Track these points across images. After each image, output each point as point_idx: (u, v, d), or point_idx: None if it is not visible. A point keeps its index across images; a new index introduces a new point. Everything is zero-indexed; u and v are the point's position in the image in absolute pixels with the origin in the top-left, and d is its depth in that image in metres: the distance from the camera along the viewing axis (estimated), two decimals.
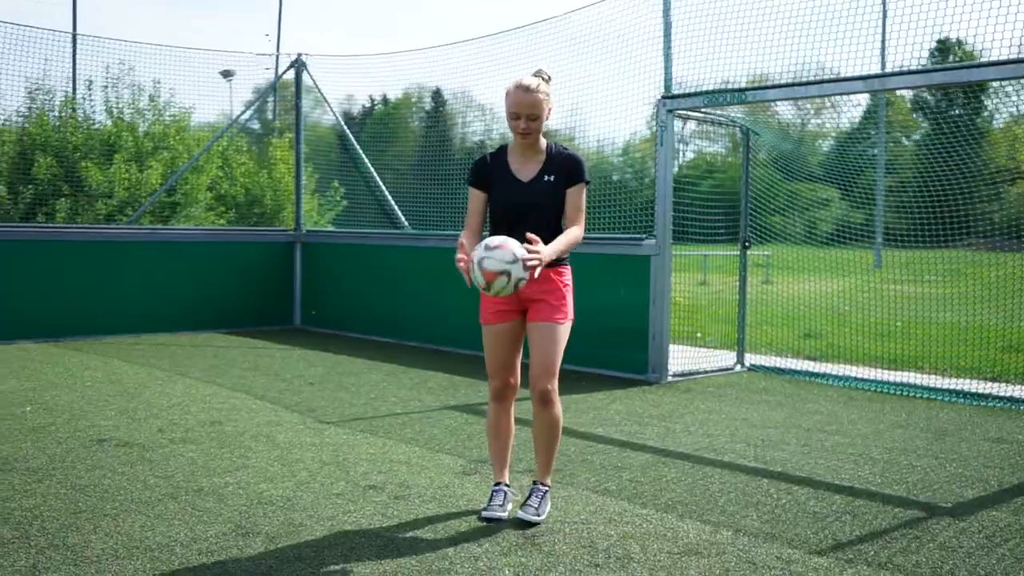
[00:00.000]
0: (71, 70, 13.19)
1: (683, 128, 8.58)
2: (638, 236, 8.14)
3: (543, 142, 4.11)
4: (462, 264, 3.79)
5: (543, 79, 4.03)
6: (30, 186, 11.95)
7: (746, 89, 7.35)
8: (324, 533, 3.91)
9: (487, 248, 3.73)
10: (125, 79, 13.38)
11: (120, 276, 10.36)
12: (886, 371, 8.29)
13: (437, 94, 12.49)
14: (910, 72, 6.64)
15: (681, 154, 8.68)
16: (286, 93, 12.54)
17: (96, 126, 13.13)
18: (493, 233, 4.07)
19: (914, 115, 13.09)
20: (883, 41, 7.04)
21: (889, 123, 11.75)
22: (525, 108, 3.95)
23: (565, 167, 4.07)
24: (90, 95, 13.28)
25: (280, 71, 11.70)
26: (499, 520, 4.11)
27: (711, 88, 7.62)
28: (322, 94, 11.48)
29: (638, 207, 8.52)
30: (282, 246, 11.61)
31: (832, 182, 10.01)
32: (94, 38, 13.08)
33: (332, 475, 4.81)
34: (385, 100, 15.34)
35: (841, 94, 7.22)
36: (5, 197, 11.72)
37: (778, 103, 9.01)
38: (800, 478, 4.99)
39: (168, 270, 10.67)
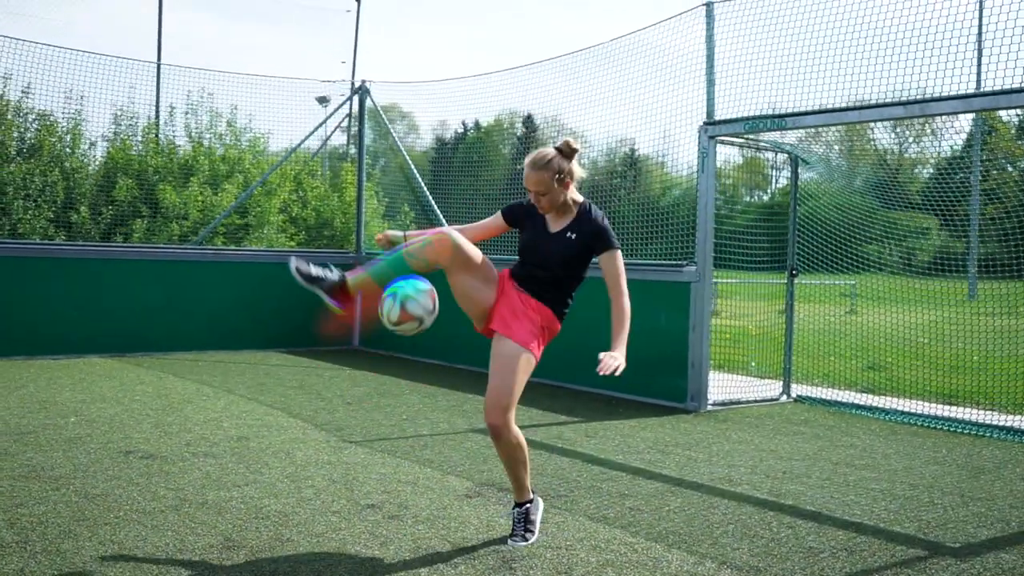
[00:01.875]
0: (155, 97, 13.81)
1: (729, 153, 8.49)
2: (679, 263, 8.08)
3: (578, 203, 4.22)
4: (379, 239, 4.37)
5: (562, 151, 4.10)
6: (110, 207, 12.49)
7: (786, 115, 7.26)
8: (306, 549, 4.00)
9: (391, 324, 4.01)
10: (204, 105, 13.91)
11: (187, 295, 10.76)
12: (937, 405, 8.02)
13: (529, 120, 12.59)
14: (952, 98, 6.47)
15: (726, 180, 8.58)
16: (375, 120, 12.90)
17: (177, 150, 13.64)
18: (520, 261, 4.27)
19: (1019, 141, 12.67)
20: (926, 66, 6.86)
21: (991, 150, 11.37)
22: (531, 185, 4.11)
23: (589, 232, 4.17)
24: (171, 120, 13.84)
25: (343, 98, 12.01)
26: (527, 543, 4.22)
27: (753, 114, 7.54)
28: (384, 121, 11.74)
29: (681, 233, 8.46)
30: (344, 268, 11.84)
31: (931, 210, 9.73)
32: (176, 67, 13.72)
33: (336, 493, 4.91)
34: (477, 125, 15.54)
35: (881, 120, 7.07)
36: (87, 218, 12.27)
37: (874, 129, 8.91)
38: (809, 512, 4.88)
39: (233, 289, 11.04)
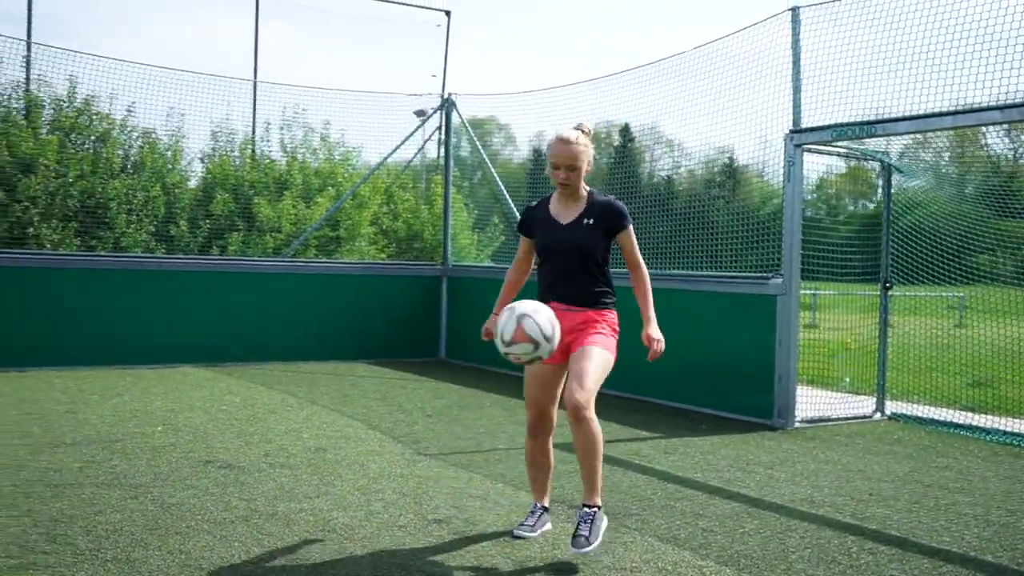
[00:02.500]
0: (251, 113, 14.17)
1: (831, 162, 8.23)
2: (764, 275, 7.87)
3: (584, 190, 4.32)
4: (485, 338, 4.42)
5: (583, 132, 4.25)
6: (208, 221, 12.84)
7: (875, 122, 7.00)
8: (369, 565, 3.99)
9: (504, 343, 3.93)
10: (299, 120, 14.20)
11: (279, 306, 11.00)
12: None
13: (626, 129, 12.48)
14: None
15: (817, 189, 8.32)
16: (480, 131, 13.00)
17: (272, 164, 13.96)
18: (543, 274, 4.34)
19: None
20: None
21: None
22: (564, 159, 4.17)
23: (605, 213, 4.28)
24: (267, 135, 14.16)
25: (431, 111, 12.10)
26: (525, 538, 4.30)
27: (841, 121, 7.30)
28: (470, 133, 11.78)
29: (768, 244, 8.23)
30: (430, 280, 11.98)
31: None
32: (271, 84, 14.07)
33: (404, 507, 4.90)
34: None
35: (977, 125, 6.75)
36: (185, 231, 12.64)
37: (987, 134, 8.57)
38: (893, 537, 4.66)
39: (323, 301, 11.24)
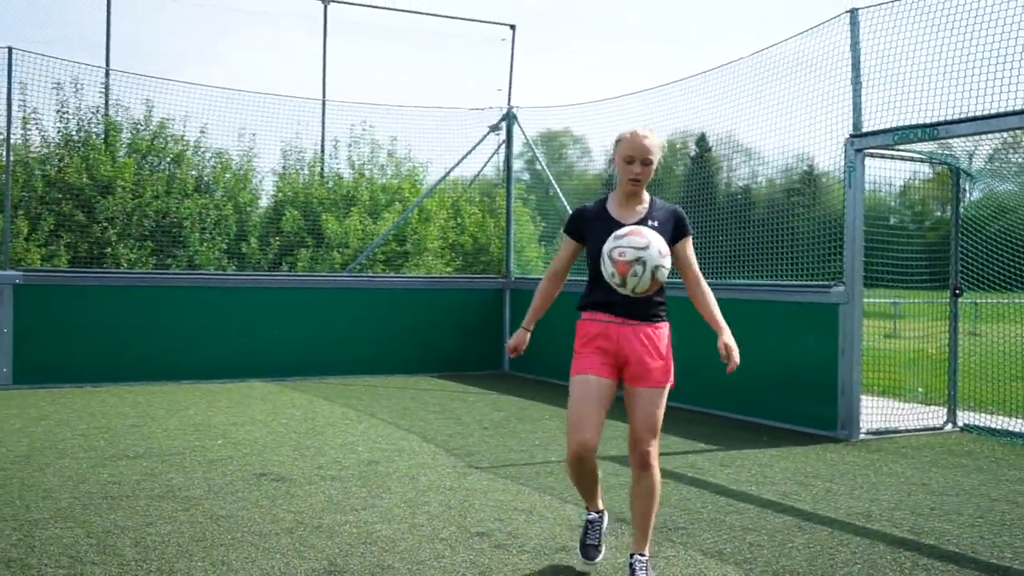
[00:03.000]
0: (320, 131, 14.42)
1: (906, 168, 8.00)
2: (825, 283, 7.69)
3: (645, 193, 4.04)
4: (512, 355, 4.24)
5: (652, 132, 4.01)
6: (278, 238, 13.09)
7: (938, 124, 6.79)
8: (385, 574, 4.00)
9: (616, 237, 3.72)
10: (366, 137, 14.40)
11: (346, 320, 11.17)
12: None
13: (701, 139, 12.34)
14: None
15: (883, 194, 8.09)
16: (555, 144, 13.03)
17: (340, 181, 14.18)
18: (595, 282, 3.97)
19: None
20: None
21: None
22: (641, 152, 3.88)
23: (671, 217, 4.02)
24: (335, 153, 14.40)
25: (492, 126, 12.16)
26: (597, 557, 4.18)
27: (903, 124, 7.10)
28: (531, 145, 11.79)
29: (830, 252, 8.03)
30: (493, 292, 12.03)
31: None
32: (340, 103, 14.32)
33: (448, 520, 4.90)
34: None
35: None
36: (256, 248, 12.91)
37: None
38: (950, 553, 4.49)
39: (388, 315, 11.37)
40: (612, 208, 4.01)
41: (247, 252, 12.94)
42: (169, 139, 13.13)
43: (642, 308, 3.93)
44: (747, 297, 8.37)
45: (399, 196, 14.16)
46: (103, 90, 12.89)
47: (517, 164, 13.46)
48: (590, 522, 4.25)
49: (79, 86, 12.59)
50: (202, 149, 13.48)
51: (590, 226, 3.99)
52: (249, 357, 10.68)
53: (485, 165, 14.17)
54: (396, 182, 14.37)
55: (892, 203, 8.90)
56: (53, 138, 12.56)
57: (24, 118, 12.24)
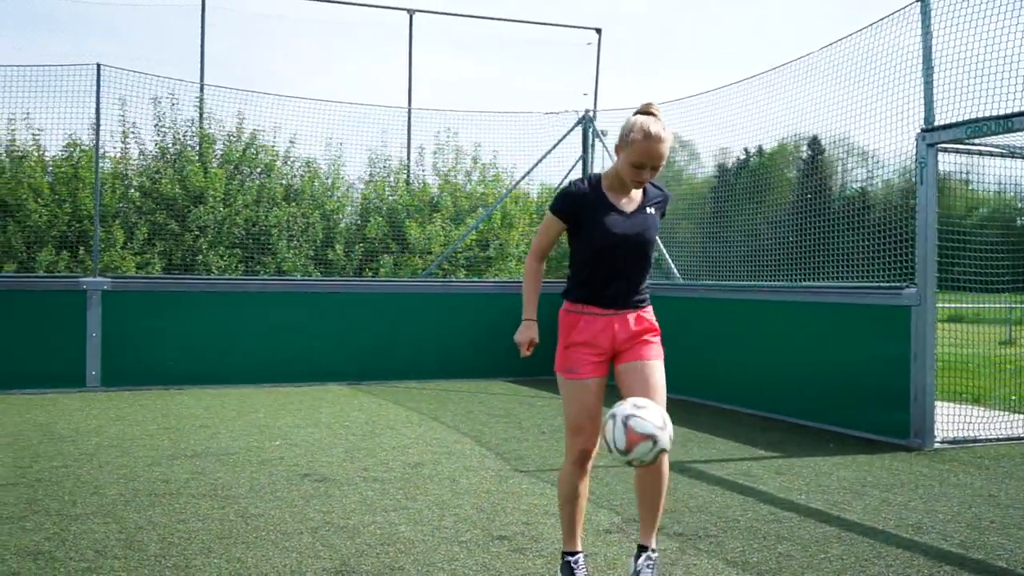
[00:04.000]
0: (406, 139, 14.63)
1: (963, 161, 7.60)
2: (897, 285, 7.36)
3: None
4: (527, 353, 4.03)
5: (659, 119, 3.70)
6: (362, 244, 13.32)
7: (1013, 116, 6.42)
8: None
9: (623, 452, 3.45)
10: (451, 144, 14.53)
11: (424, 325, 11.28)
12: None
13: (812, 142, 11.96)
14: None
15: (956, 191, 7.70)
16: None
17: (426, 188, 14.34)
18: (590, 269, 3.81)
19: None
20: None
21: None
22: (653, 159, 3.66)
23: (662, 201, 3.94)
24: (421, 160, 14.57)
25: (568, 129, 12.11)
26: None
27: (976, 116, 6.74)
28: (607, 148, 11.68)
29: (898, 253, 7.68)
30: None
31: None
32: (425, 110, 14.49)
33: (475, 522, 4.87)
34: (760, 151, 15.02)
35: None
36: (341, 255, 13.17)
37: None
38: (997, 570, 4.22)
39: (467, 320, 11.41)
40: (610, 193, 3.80)
41: (332, 259, 13.20)
42: (260, 149, 13.53)
43: (633, 296, 3.85)
44: (816, 300, 8.09)
45: (482, 202, 14.23)
46: (198, 104, 13.37)
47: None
48: (573, 563, 3.85)
49: (175, 100, 13.09)
50: (291, 159, 13.85)
51: (589, 211, 3.76)
52: (328, 361, 10.88)
53: (571, 170, 14.12)
54: (481, 188, 14.45)
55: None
56: (150, 151, 13.10)
57: (124, 132, 12.82)
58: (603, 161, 12.27)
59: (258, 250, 12.87)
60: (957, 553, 4.46)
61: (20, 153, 12.18)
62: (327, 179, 13.94)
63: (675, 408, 9.03)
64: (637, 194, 3.84)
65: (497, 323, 11.59)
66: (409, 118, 14.62)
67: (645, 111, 3.73)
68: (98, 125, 10.88)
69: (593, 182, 3.84)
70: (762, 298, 8.82)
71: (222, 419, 8.09)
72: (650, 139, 3.62)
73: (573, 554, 3.87)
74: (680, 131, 11.24)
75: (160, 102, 12.98)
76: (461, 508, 5.16)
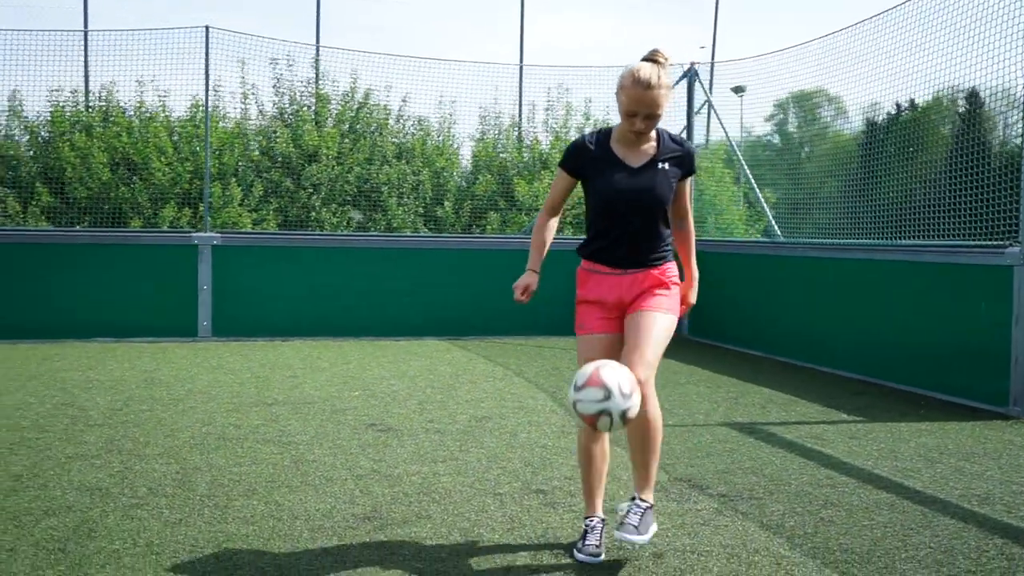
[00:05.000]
0: (517, 96, 14.62)
1: None
2: (999, 243, 6.90)
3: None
4: (522, 297, 3.96)
5: (661, 66, 3.55)
6: (471, 201, 13.44)
7: None
8: (428, 529, 4.04)
9: (575, 388, 3.40)
10: (561, 100, 14.43)
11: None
12: None
13: (973, 96, 11.32)
14: None
15: None
16: (808, 104, 12.55)
17: (537, 145, 14.31)
18: (598, 226, 3.75)
19: None
20: None
21: None
22: (644, 107, 3.52)
23: (680, 155, 3.73)
24: (532, 117, 14.54)
25: (673, 83, 11.82)
26: (597, 560, 3.67)
27: None
28: (711, 103, 11.35)
29: (1002, 209, 7.19)
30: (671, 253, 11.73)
31: None
32: (537, 67, 14.46)
33: (518, 476, 4.89)
34: (913, 105, 14.35)
35: None
36: (450, 212, 13.32)
37: None
38: None
39: (565, 277, 11.32)
40: (617, 147, 3.69)
41: (441, 215, 13.38)
42: (373, 108, 13.79)
43: (646, 255, 3.73)
44: (913, 259, 7.68)
45: None
46: (314, 64, 13.71)
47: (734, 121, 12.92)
48: (588, 527, 3.76)
49: (291, 62, 13.48)
50: (403, 118, 14.06)
51: (594, 165, 3.69)
52: (430, 316, 11.06)
53: (693, 126, 13.80)
54: None
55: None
56: (269, 111, 13.55)
57: (244, 93, 13.30)
58: (708, 118, 11.92)
59: (369, 207, 13.17)
60: (1016, 527, 4.19)
61: (148, 114, 12.83)
62: (438, 137, 14.11)
63: (767, 369, 8.83)
64: (651, 148, 3.70)
65: None
66: (521, 75, 14.59)
67: (649, 57, 3.58)
68: (207, 85, 11.29)
69: (602, 136, 3.75)
70: (858, 257, 8.44)
71: (313, 370, 8.36)
72: (638, 85, 3.48)
73: (590, 518, 3.81)
74: (822, 82, 10.77)
75: (278, 63, 13.39)
76: (510, 462, 5.19)
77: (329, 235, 11.61)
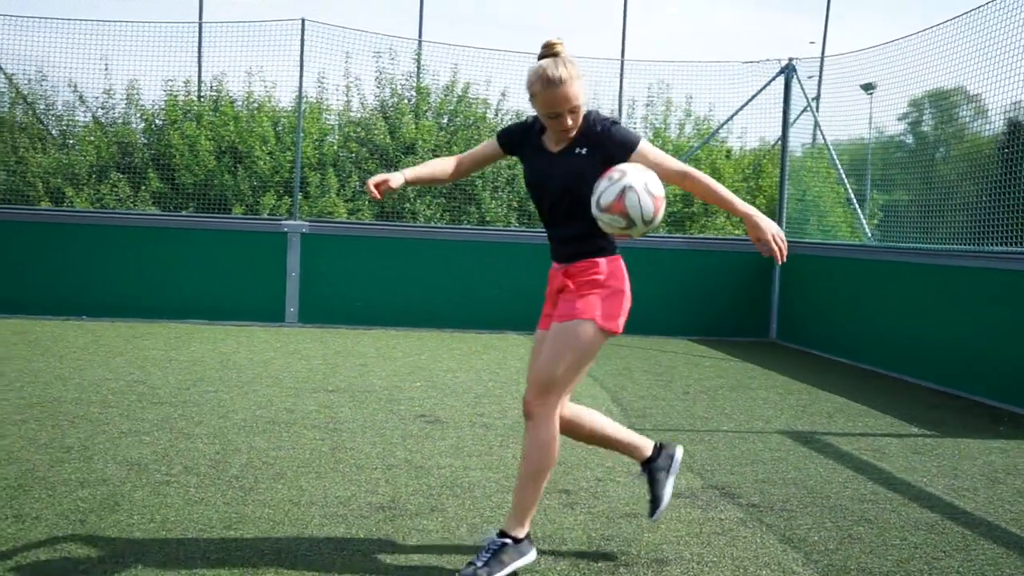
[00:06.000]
0: (618, 91, 14.49)
1: None
2: None
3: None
4: (372, 189, 3.60)
5: (561, 56, 3.35)
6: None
7: None
8: (437, 522, 4.04)
9: (645, 187, 3.28)
10: (662, 96, 14.22)
11: None
12: None
13: None
14: None
15: None
16: (946, 104, 12.15)
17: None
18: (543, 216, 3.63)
19: None
20: None
21: None
22: (563, 104, 3.35)
23: (604, 140, 3.43)
24: (632, 112, 14.37)
25: (769, 79, 11.48)
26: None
27: None
28: (808, 101, 10.98)
29: None
30: (759, 256, 11.40)
31: None
32: (638, 62, 14.30)
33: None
34: None
35: None
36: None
37: None
38: None
39: (654, 275, 11.16)
40: (546, 135, 3.56)
41: (534, 210, 13.37)
42: (472, 102, 13.88)
43: (571, 247, 3.54)
44: (999, 267, 7.27)
45: (687, 154, 13.85)
46: (415, 58, 13.90)
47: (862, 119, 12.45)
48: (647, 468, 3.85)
49: (393, 55, 13.70)
50: (502, 112, 14.11)
51: (520, 150, 3.64)
52: (515, 310, 11.05)
53: (793, 122, 13.42)
54: (694, 143, 14.05)
55: None
56: (371, 103, 13.81)
57: (347, 85, 13.60)
58: (799, 114, 11.53)
59: (464, 200, 13.27)
60: None
61: (256, 104, 13.25)
62: None
63: (849, 377, 8.50)
64: (568, 137, 3.49)
65: (689, 279, 11.34)
66: (622, 70, 14.46)
67: (546, 53, 3.41)
68: (301, 76, 11.59)
69: (533, 122, 3.64)
70: (959, 264, 8.03)
71: (384, 359, 8.49)
72: (551, 86, 3.32)
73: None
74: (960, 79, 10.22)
75: (380, 56, 13.63)
76: None
77: (416, 226, 11.74)
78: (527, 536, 3.46)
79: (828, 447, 5.76)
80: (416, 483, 4.59)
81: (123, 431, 5.37)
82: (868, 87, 13.01)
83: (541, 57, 3.42)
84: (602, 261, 3.52)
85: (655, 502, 3.87)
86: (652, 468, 3.88)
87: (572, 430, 3.75)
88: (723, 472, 5.06)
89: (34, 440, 5.08)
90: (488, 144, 3.77)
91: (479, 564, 3.33)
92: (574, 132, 3.46)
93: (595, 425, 3.80)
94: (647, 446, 3.91)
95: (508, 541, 3.40)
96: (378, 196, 3.61)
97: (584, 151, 3.45)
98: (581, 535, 3.94)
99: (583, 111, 3.45)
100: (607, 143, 3.44)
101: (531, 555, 3.48)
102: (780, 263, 3.44)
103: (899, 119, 12.26)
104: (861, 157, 12.06)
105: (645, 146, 3.45)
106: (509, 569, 3.36)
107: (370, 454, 5.10)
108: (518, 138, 3.66)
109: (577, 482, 4.75)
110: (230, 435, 5.38)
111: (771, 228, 3.40)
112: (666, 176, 3.45)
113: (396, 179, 3.64)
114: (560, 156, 3.50)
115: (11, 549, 3.51)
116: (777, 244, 3.39)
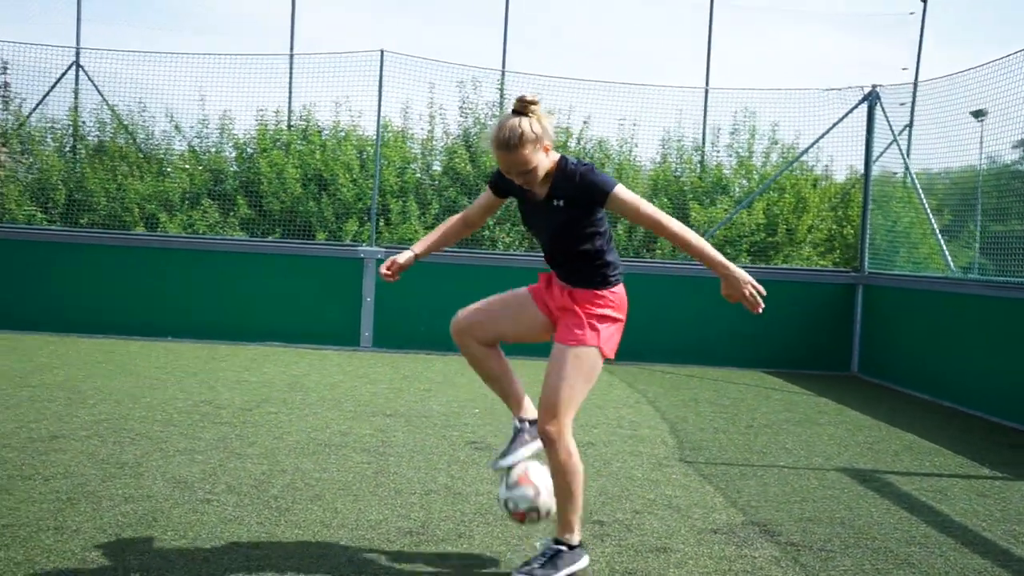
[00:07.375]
0: (702, 119, 14.38)
1: None
2: None
3: (554, 162, 3.61)
4: (385, 273, 3.89)
5: (529, 115, 3.46)
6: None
7: None
8: (462, 547, 4.05)
9: (507, 487, 3.79)
10: (746, 124, 14.02)
11: (683, 309, 11.05)
12: None
13: None
14: None
15: None
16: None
17: (717, 167, 13.99)
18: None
19: None
20: None
21: None
22: (512, 167, 3.51)
23: (576, 190, 3.56)
24: (716, 141, 14.21)
25: (852, 107, 11.21)
26: (502, 468, 3.90)
27: None
28: (891, 127, 10.67)
29: None
30: (844, 287, 11.10)
31: None
32: (720, 90, 14.19)
33: (586, 504, 4.74)
34: None
35: None
36: (622, 234, 13.23)
37: None
38: None
39: (727, 306, 10.96)
40: None
41: (614, 236, 13.33)
42: (555, 131, 13.95)
43: (573, 277, 3.76)
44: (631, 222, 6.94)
45: (775, 184, 13.60)
46: (498, 88, 14.06)
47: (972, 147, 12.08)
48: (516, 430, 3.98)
49: (476, 84, 13.88)
50: (583, 139, 14.14)
51: (515, 195, 3.79)
52: None
53: (882, 153, 13.09)
54: (773, 169, 13.81)
55: None
56: (454, 131, 14.01)
57: (431, 114, 13.84)
58: (909, 143, 11.22)
59: None
60: None
61: (343, 133, 13.59)
62: (617, 159, 14.07)
63: (926, 414, 8.18)
64: (547, 183, 3.62)
65: (768, 310, 11.01)
66: (706, 98, 14.35)
67: (517, 109, 3.48)
68: (380, 105, 11.89)
69: None
70: None
71: (449, 385, 8.54)
72: (500, 148, 3.46)
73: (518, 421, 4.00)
74: None
75: (464, 86, 13.83)
76: (587, 489, 5.09)
77: (494, 253, 11.82)
78: (580, 543, 3.76)
79: (886, 486, 5.55)
80: (450, 509, 4.60)
81: (179, 449, 5.53)
82: (979, 114, 12.58)
83: (514, 111, 3.51)
84: (608, 294, 3.73)
85: (506, 455, 3.91)
86: (531, 429, 3.92)
87: (479, 360, 4.03)
88: (768, 508, 4.93)
89: (93, 455, 5.28)
90: (485, 193, 3.94)
91: (536, 566, 3.64)
92: (536, 183, 3.58)
93: (503, 364, 4.03)
94: (533, 411, 3.97)
95: (563, 548, 3.70)
96: (393, 278, 3.92)
97: (561, 203, 3.59)
98: (604, 568, 3.89)
99: (542, 170, 3.55)
100: (581, 194, 3.56)
101: (583, 562, 3.77)
102: (758, 312, 3.62)
103: (1014, 147, 11.84)
104: (969, 186, 11.64)
105: (620, 191, 3.56)
106: (562, 574, 3.65)
107: (412, 479, 5.14)
108: (504, 182, 3.78)
109: (613, 513, 4.69)
110: (279, 456, 5.50)
111: (743, 281, 3.57)
112: (640, 221, 3.60)
113: (405, 256, 3.94)
114: (544, 204, 3.64)
115: (42, 559, 3.66)
116: (753, 295, 3.58)
